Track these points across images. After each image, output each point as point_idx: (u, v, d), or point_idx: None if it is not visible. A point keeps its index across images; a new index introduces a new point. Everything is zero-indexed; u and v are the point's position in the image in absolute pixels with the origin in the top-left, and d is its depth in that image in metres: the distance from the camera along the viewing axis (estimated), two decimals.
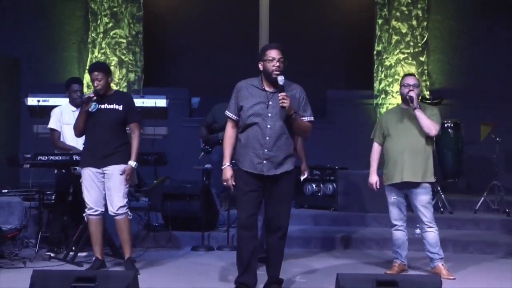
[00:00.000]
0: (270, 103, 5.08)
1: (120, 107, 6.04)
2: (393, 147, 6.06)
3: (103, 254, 6.11)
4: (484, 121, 8.88)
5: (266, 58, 5.10)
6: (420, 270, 6.28)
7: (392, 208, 6.09)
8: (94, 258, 6.07)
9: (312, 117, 5.26)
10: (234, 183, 5.18)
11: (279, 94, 4.99)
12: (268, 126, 5.06)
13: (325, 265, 6.41)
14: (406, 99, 6.04)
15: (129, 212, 6.05)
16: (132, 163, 6.00)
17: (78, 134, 6.17)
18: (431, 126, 5.96)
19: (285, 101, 4.96)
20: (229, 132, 5.26)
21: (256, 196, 5.16)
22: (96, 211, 5.97)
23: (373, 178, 6.17)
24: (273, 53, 5.09)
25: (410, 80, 6.09)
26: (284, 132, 5.10)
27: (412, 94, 5.99)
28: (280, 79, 5.01)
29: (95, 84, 6.01)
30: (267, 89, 5.13)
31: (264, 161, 5.08)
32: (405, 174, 5.96)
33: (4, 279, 5.73)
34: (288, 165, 5.16)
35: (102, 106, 6.02)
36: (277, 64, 5.06)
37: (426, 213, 6.00)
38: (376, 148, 6.20)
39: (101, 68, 6.13)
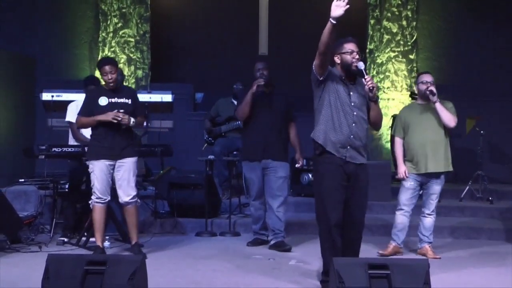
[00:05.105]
0: (351, 93, 4.89)
1: (129, 101, 5.90)
2: (416, 141, 6.08)
3: (103, 243, 5.98)
4: (469, 115, 8.87)
5: (344, 50, 4.95)
6: (409, 252, 6.36)
7: (405, 192, 6.11)
8: (94, 246, 5.95)
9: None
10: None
11: (366, 76, 4.82)
12: (355, 113, 4.84)
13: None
14: (425, 95, 6.10)
15: (138, 200, 6.04)
16: (132, 119, 5.81)
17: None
18: (451, 118, 6.04)
19: (373, 82, 4.80)
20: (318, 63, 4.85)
21: (343, 192, 4.85)
22: (104, 200, 5.87)
23: (402, 168, 6.10)
24: (351, 46, 4.97)
25: (427, 77, 6.18)
26: (364, 122, 4.91)
27: (433, 88, 6.04)
28: (361, 64, 4.87)
29: (109, 77, 5.77)
30: (346, 80, 4.94)
31: (348, 147, 4.84)
32: (430, 165, 6.02)
33: (21, 262, 5.76)
34: (364, 158, 4.93)
35: (113, 100, 5.83)
36: (357, 56, 4.92)
37: (434, 202, 6.13)
38: (398, 142, 6.19)
39: (113, 62, 5.94)
